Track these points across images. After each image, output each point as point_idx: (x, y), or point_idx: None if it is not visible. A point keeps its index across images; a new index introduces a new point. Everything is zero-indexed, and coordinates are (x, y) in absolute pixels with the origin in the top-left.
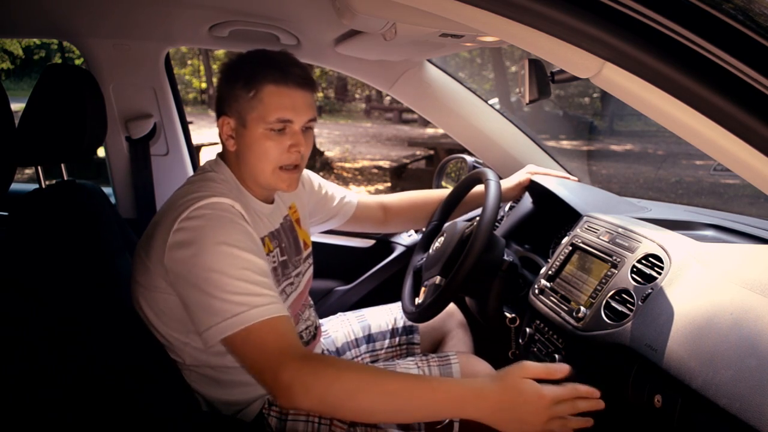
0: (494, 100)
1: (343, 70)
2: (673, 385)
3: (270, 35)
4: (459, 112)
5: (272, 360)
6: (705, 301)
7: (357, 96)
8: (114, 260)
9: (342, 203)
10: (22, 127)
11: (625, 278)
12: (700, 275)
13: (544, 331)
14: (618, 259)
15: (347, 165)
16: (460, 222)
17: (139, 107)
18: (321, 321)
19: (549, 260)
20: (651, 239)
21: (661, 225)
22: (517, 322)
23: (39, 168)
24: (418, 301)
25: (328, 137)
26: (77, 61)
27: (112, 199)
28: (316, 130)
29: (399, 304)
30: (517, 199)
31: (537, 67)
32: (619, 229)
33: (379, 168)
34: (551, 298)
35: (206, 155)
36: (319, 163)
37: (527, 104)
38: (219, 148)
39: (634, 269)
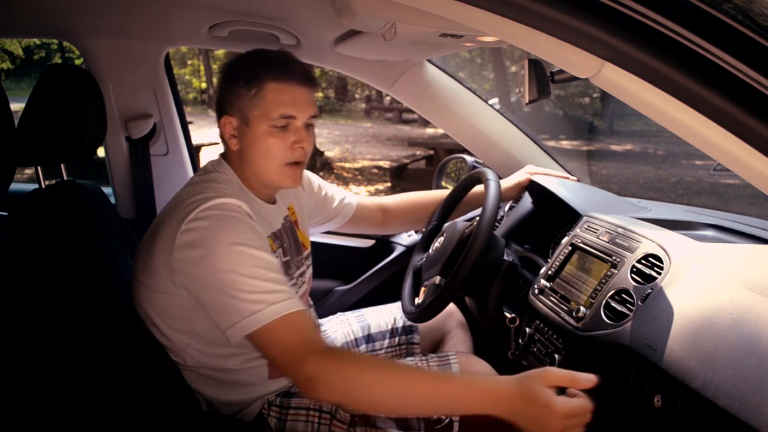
0: (494, 100)
1: (343, 70)
2: (673, 385)
3: (270, 35)
4: (459, 112)
5: (294, 355)
6: (705, 301)
7: (357, 96)
8: (114, 260)
9: (341, 204)
10: (22, 127)
11: (624, 278)
12: (700, 275)
13: (543, 331)
14: (618, 259)
15: (347, 165)
16: (460, 222)
17: (138, 107)
18: (321, 321)
19: (549, 260)
20: (651, 239)
21: (661, 225)
22: (517, 322)
23: (39, 168)
24: (417, 301)
25: (328, 137)
26: (77, 61)
27: (112, 199)
28: (315, 130)
29: (398, 304)
30: (516, 199)
31: (537, 67)
32: (619, 229)
33: (379, 168)
34: (551, 298)
35: (206, 155)
36: (319, 163)
37: (527, 104)
38: (219, 148)
39: (634, 269)
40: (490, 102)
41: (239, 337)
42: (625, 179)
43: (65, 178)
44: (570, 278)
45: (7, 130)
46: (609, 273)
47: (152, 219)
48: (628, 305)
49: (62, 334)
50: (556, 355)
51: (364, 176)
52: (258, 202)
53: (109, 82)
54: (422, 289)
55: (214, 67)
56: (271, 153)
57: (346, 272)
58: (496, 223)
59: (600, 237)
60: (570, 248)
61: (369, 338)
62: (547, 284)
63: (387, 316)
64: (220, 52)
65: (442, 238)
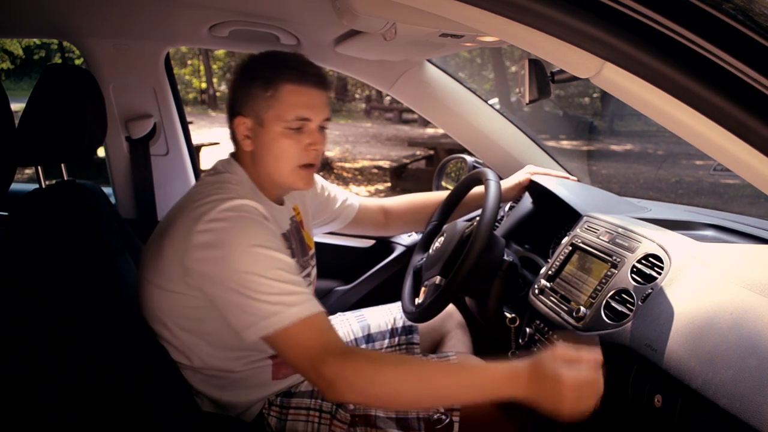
0: (494, 100)
1: (343, 70)
2: (673, 385)
3: (270, 35)
4: (459, 112)
5: (313, 358)
6: (705, 301)
7: (357, 96)
8: (114, 260)
9: (344, 206)
10: (22, 127)
11: (625, 278)
12: (700, 275)
13: (544, 331)
14: (618, 259)
15: (347, 165)
16: (460, 222)
17: (139, 107)
18: None
19: (549, 260)
20: (651, 239)
21: (661, 225)
22: (517, 322)
23: (39, 168)
24: (418, 301)
25: (328, 137)
26: (77, 61)
27: (112, 199)
28: None
29: (398, 304)
30: (517, 200)
31: (537, 67)
32: (619, 229)
33: (379, 168)
34: (551, 298)
35: (206, 155)
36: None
37: (527, 104)
38: (218, 148)
39: (634, 269)
40: (490, 102)
41: (256, 338)
42: (625, 179)
43: (65, 178)
44: (570, 278)
45: (7, 130)
46: (609, 273)
47: (152, 219)
48: (628, 305)
49: (62, 334)
50: None
51: (364, 176)
52: (268, 204)
53: (109, 82)
54: (422, 289)
55: (215, 67)
56: (285, 154)
57: (346, 272)
58: (496, 223)
59: (600, 237)
60: (570, 248)
61: (369, 338)
62: (548, 284)
63: (387, 316)
64: (220, 52)
65: (442, 238)
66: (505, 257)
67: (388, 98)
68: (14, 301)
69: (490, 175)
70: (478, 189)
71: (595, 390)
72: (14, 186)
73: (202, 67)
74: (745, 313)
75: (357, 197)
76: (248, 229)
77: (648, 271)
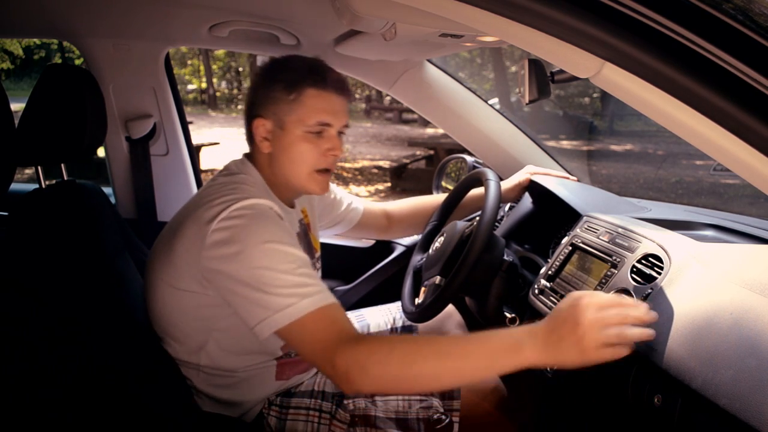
0: (494, 100)
1: (343, 70)
2: (673, 385)
3: (270, 35)
4: (459, 112)
5: (327, 349)
6: (705, 301)
7: (357, 96)
8: (114, 260)
9: (348, 209)
10: (22, 127)
11: (624, 278)
12: (700, 275)
13: None
14: (618, 259)
15: (347, 165)
16: (460, 222)
17: (138, 107)
18: None
19: (549, 260)
20: (651, 239)
21: (661, 225)
22: (517, 322)
23: (39, 168)
24: (418, 301)
25: None
26: (77, 61)
27: (112, 199)
28: None
29: (398, 304)
30: (516, 200)
31: (537, 67)
32: (619, 229)
33: (379, 168)
34: (551, 298)
35: (206, 155)
36: None
37: (527, 104)
38: (218, 148)
39: (634, 269)
40: (490, 102)
41: (269, 333)
42: (625, 179)
43: (65, 178)
44: (570, 278)
45: (7, 130)
46: (609, 273)
47: (152, 219)
48: None
49: (62, 335)
50: None
51: (364, 176)
52: (281, 205)
53: (109, 82)
54: (422, 289)
55: (215, 67)
56: (304, 158)
57: (346, 272)
58: (496, 223)
59: (600, 237)
60: (570, 248)
61: None
62: (548, 284)
63: (387, 316)
64: (220, 52)
65: (442, 238)
66: (505, 257)
67: (388, 98)
68: (14, 301)
69: (490, 175)
70: (478, 191)
71: (625, 313)
72: (14, 186)
73: (202, 67)
74: (745, 313)
75: (362, 201)
76: (263, 226)
77: (648, 271)
